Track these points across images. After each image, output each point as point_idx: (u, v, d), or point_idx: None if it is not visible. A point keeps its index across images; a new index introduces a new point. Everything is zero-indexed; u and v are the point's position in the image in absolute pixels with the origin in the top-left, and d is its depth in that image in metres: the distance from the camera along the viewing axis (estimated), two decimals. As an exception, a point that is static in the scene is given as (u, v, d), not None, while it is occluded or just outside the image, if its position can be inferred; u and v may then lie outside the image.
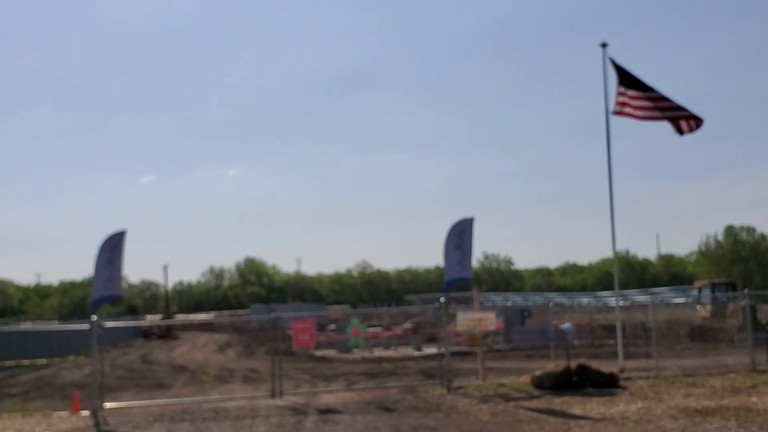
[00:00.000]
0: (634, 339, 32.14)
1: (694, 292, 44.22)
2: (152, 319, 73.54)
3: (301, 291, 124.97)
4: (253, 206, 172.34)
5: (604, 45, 20.49)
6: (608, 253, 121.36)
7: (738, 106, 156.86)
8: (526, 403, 14.91)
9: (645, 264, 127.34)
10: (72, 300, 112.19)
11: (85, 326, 16.88)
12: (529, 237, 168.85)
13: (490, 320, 19.51)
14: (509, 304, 55.93)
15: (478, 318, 19.13)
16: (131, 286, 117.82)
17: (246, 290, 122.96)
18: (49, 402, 19.02)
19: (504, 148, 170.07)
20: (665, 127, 20.19)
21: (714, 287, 41.77)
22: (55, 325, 52.82)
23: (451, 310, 30.09)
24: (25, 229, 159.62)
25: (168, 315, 73.92)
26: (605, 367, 17.75)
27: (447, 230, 19.99)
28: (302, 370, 25.24)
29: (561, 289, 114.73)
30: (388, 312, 59.21)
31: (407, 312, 53.36)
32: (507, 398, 15.72)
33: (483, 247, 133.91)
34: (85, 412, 15.66)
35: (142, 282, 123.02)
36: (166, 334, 59.92)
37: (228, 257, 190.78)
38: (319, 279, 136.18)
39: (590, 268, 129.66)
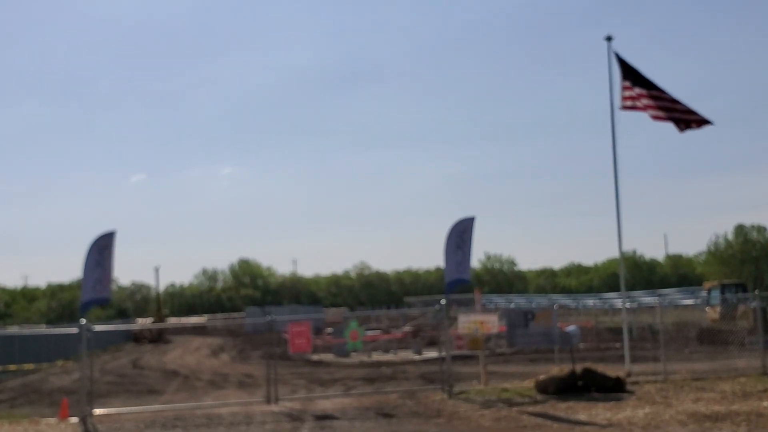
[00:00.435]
0: (641, 342, 32.19)
1: (704, 294, 44.25)
2: (143, 322, 73.61)
3: (297, 293, 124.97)
4: (248, 205, 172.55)
5: (609, 38, 20.53)
6: (614, 254, 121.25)
7: (749, 102, 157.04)
8: (530, 409, 14.92)
9: (652, 264, 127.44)
10: (60, 303, 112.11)
11: (74, 330, 16.87)
12: (533, 237, 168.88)
13: (492, 323, 19.53)
14: (512, 306, 55.95)
15: (480, 320, 19.15)
16: (121, 289, 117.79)
17: (240, 292, 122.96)
18: (37, 408, 19.01)
19: (506, 146, 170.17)
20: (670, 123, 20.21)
21: (724, 288, 41.79)
22: (42, 329, 52.79)
23: (452, 312, 30.13)
24: (12, 230, 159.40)
25: (160, 318, 73.90)
26: (611, 371, 17.78)
27: (447, 230, 20.02)
28: (298, 375, 25.24)
29: (565, 290, 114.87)
30: (387, 315, 59.19)
31: (407, 315, 53.34)
32: (510, 403, 15.73)
33: (485, 248, 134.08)
34: (74, 419, 15.66)
35: (133, 284, 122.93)
36: (158, 338, 59.95)
37: (221, 258, 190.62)
38: (316, 281, 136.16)
39: (596, 268, 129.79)
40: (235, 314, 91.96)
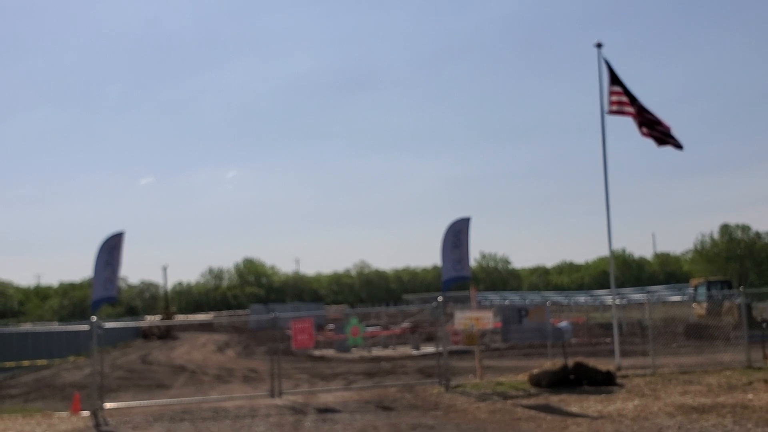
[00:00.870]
0: (630, 337, 32.20)
1: (690, 290, 44.27)
2: (152, 319, 73.53)
3: (300, 291, 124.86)
4: (252, 207, 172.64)
5: (599, 45, 20.55)
6: (604, 252, 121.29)
7: (733, 106, 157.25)
8: (524, 401, 14.93)
9: (641, 262, 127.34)
10: (72, 301, 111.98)
11: (85, 327, 16.89)
12: (526, 236, 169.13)
13: (487, 319, 19.51)
14: (506, 302, 55.89)
15: (475, 317, 19.13)
16: (131, 287, 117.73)
17: (245, 290, 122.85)
18: (50, 402, 19.01)
19: (500, 149, 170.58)
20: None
21: (710, 285, 41.82)
22: (55, 326, 52.74)
23: (449, 309, 30.14)
24: (25, 231, 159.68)
25: (167, 315, 73.94)
26: (602, 365, 17.78)
27: (444, 230, 20.02)
28: (301, 370, 25.25)
29: (558, 287, 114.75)
30: (386, 311, 59.18)
31: (405, 311, 53.39)
32: (505, 396, 15.73)
33: (480, 247, 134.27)
34: (86, 413, 15.66)
35: (142, 283, 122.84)
36: (166, 334, 59.87)
37: (227, 258, 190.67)
38: (318, 279, 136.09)
39: (587, 266, 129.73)
40: (240, 311, 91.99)
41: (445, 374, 17.65)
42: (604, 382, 16.82)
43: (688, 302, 42.99)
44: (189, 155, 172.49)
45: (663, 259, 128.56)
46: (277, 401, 16.44)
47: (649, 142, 20.09)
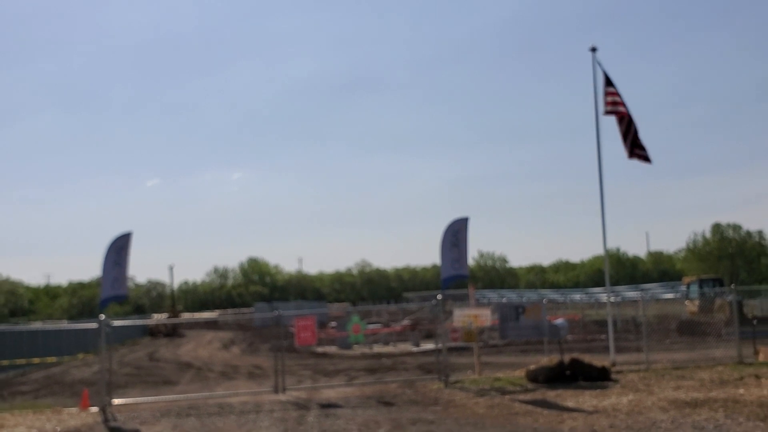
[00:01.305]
0: (625, 334, 32.16)
1: (683, 288, 44.26)
2: (159, 317, 73.56)
3: (303, 290, 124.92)
4: (256, 208, 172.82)
5: (593, 49, 20.57)
6: (599, 251, 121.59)
7: (725, 109, 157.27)
8: (521, 397, 14.93)
9: (635, 261, 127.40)
10: (81, 300, 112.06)
11: (94, 325, 16.88)
12: (523, 236, 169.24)
13: (485, 316, 19.52)
14: (504, 300, 55.89)
15: (474, 314, 19.14)
16: (138, 286, 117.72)
17: (249, 289, 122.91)
18: (59, 399, 19.00)
19: (498, 150, 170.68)
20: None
21: (702, 283, 41.80)
22: (64, 325, 52.76)
23: (448, 307, 30.08)
24: (35, 231, 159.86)
25: (174, 314, 73.94)
26: (597, 361, 17.79)
27: (443, 230, 20.03)
28: (304, 366, 25.25)
29: (554, 285, 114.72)
30: (387, 309, 59.15)
31: (405, 309, 53.32)
32: (502, 392, 15.73)
33: (478, 246, 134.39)
34: (94, 409, 15.66)
35: (149, 282, 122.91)
36: (172, 332, 59.92)
37: (232, 257, 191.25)
38: (320, 278, 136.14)
39: (582, 265, 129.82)
40: (244, 310, 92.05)
41: (444, 370, 17.65)
42: (599, 377, 16.83)
43: (680, 300, 42.98)
44: (194, 157, 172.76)
45: (656, 257, 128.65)
46: (281, 397, 16.44)
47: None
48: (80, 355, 37.43)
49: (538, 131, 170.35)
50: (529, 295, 73.00)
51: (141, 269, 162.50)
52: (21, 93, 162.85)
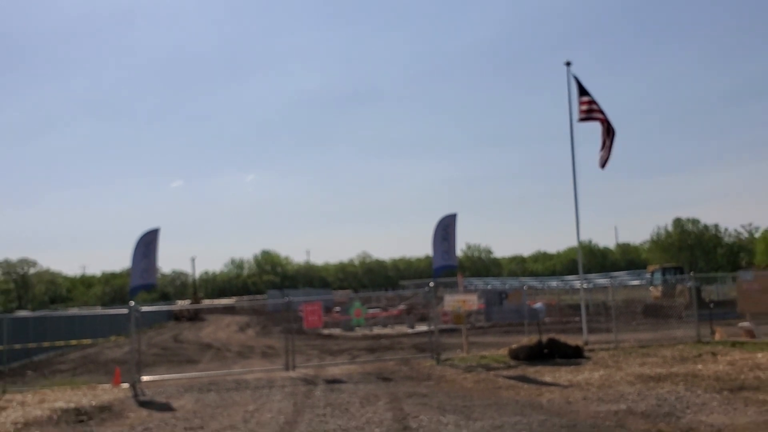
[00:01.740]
0: (596, 316, 32.17)
1: (648, 276, 44.35)
2: (182, 304, 73.51)
3: (310, 278, 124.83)
4: (268, 205, 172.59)
5: (568, 63, 20.60)
6: (573, 243, 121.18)
7: (686, 114, 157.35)
8: (504, 373, 14.95)
9: (605, 252, 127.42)
10: (113, 288, 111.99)
11: (125, 311, 16.88)
12: (506, 229, 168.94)
13: (472, 301, 19.56)
14: (489, 287, 55.89)
15: (462, 300, 19.18)
16: (164, 276, 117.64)
17: (263, 278, 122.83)
18: (94, 376, 19.01)
19: (485, 154, 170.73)
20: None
21: (664, 271, 41.90)
22: (98, 310, 52.74)
23: (439, 293, 30.09)
24: (73, 228, 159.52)
25: (196, 300, 73.91)
26: (572, 340, 17.82)
27: (435, 225, 20.03)
28: (312, 347, 25.25)
29: (533, 273, 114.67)
30: (385, 296, 59.18)
31: (402, 295, 53.33)
32: (488, 368, 15.76)
33: (466, 239, 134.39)
34: (125, 385, 15.68)
35: (173, 272, 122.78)
36: (195, 316, 59.89)
37: (247, 250, 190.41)
38: (326, 268, 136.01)
39: (558, 255, 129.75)
40: (258, 296, 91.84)
41: (436, 349, 17.68)
42: (573, 355, 16.87)
43: (645, 286, 43.07)
44: (214, 161, 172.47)
45: (624, 248, 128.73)
46: (291, 374, 16.46)
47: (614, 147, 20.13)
48: (113, 338, 37.39)
49: (520, 137, 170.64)
50: (511, 283, 73.04)
51: (166, 261, 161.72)
52: (59, 106, 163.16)
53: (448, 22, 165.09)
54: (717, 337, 19.97)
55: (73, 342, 30.28)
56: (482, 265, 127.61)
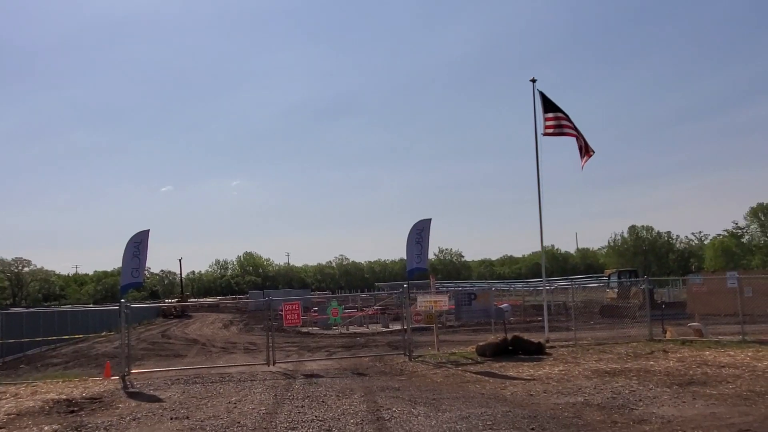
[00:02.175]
0: (557, 316, 32.46)
1: (605, 279, 44.73)
2: (170, 301, 72.86)
3: (290, 279, 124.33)
4: (251, 210, 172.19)
5: (533, 80, 20.75)
6: (538, 248, 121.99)
7: (641, 129, 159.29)
8: (472, 368, 15.00)
9: (566, 256, 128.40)
10: (104, 286, 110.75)
11: (115, 308, 16.72)
12: (476, 235, 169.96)
13: (443, 302, 19.62)
14: (459, 289, 56.07)
15: (434, 300, 19.21)
16: (153, 275, 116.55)
17: (245, 278, 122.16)
18: (86, 369, 18.80)
19: (455, 164, 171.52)
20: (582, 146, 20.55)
21: (620, 274, 42.25)
22: (90, 307, 52.11)
23: (412, 294, 30.15)
24: (66, 229, 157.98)
25: (183, 299, 73.23)
26: (535, 338, 17.92)
27: (409, 229, 20.05)
28: (291, 343, 25.16)
29: (501, 276, 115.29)
30: (361, 296, 59.09)
31: (377, 296, 53.29)
32: (456, 364, 15.80)
33: (438, 243, 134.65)
34: (116, 377, 15.51)
35: (162, 272, 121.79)
36: (181, 314, 59.44)
37: (231, 251, 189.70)
38: (305, 269, 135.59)
39: (523, 259, 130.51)
40: (241, 296, 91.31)
41: (408, 347, 17.68)
42: (536, 351, 16.96)
43: (603, 288, 43.44)
44: (201, 168, 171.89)
45: (584, 253, 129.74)
46: (272, 368, 16.38)
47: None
48: (104, 333, 37.02)
49: (489, 148, 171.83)
50: (480, 285, 73.30)
51: (155, 261, 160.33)
52: (56, 113, 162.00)
53: (421, 41, 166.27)
54: (668, 335, 20.20)
55: (66, 337, 29.93)
56: (453, 268, 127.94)
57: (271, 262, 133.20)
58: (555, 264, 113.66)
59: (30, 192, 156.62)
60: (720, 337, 19.46)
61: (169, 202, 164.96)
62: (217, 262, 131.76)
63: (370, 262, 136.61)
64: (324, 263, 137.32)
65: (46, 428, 9.92)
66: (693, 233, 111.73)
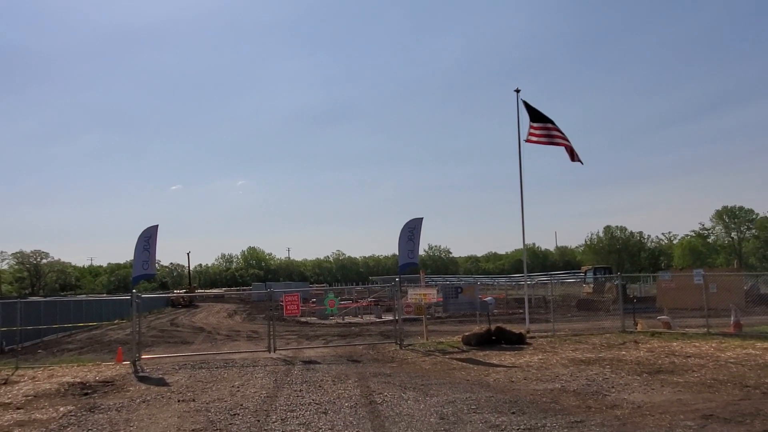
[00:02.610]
0: (537, 309, 32.51)
1: (582, 275, 44.87)
2: (178, 292, 72.66)
3: (291, 272, 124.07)
4: (255, 208, 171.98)
5: (517, 90, 20.82)
6: (520, 245, 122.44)
7: (617, 135, 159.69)
8: (458, 356, 15.02)
9: (546, 253, 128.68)
10: (117, 277, 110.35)
11: (127, 297, 16.67)
12: (463, 232, 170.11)
13: (432, 295, 19.60)
14: (447, 283, 56.08)
15: (423, 293, 19.21)
16: (163, 268, 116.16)
17: (249, 271, 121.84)
18: (99, 355, 18.74)
19: (445, 166, 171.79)
20: (561, 152, 20.63)
21: (596, 271, 42.45)
22: (103, 297, 51.92)
23: (404, 287, 30.16)
24: (83, 223, 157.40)
25: (190, 289, 73.00)
26: (516, 329, 17.95)
27: (402, 227, 20.05)
28: (291, 332, 25.12)
29: (485, 272, 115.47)
30: (356, 289, 59.04)
31: (371, 289, 53.27)
32: (444, 352, 15.81)
33: (428, 240, 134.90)
34: (127, 362, 15.48)
35: (171, 264, 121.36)
36: (189, 303, 59.22)
37: (235, 246, 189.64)
38: (304, 263, 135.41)
39: (507, 256, 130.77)
40: (245, 287, 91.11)
41: (399, 336, 17.69)
42: (517, 341, 16.99)
43: (579, 283, 43.58)
44: (208, 168, 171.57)
45: (562, 250, 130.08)
46: (273, 355, 16.37)
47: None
48: (116, 321, 36.88)
49: (476, 152, 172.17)
50: (466, 279, 73.34)
51: (165, 254, 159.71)
52: (73, 116, 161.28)
53: (414, 52, 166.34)
54: (639, 327, 20.27)
55: (81, 324, 29.80)
56: (442, 264, 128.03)
57: (273, 256, 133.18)
58: (536, 260, 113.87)
59: (49, 189, 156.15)
60: (686, 330, 19.53)
61: (178, 200, 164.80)
62: (223, 255, 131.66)
63: (365, 257, 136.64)
64: (322, 258, 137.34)
65: (61, 409, 9.89)
66: (663, 233, 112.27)
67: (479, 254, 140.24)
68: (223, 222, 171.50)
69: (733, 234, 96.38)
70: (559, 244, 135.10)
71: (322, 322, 30.85)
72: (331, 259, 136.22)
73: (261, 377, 12.53)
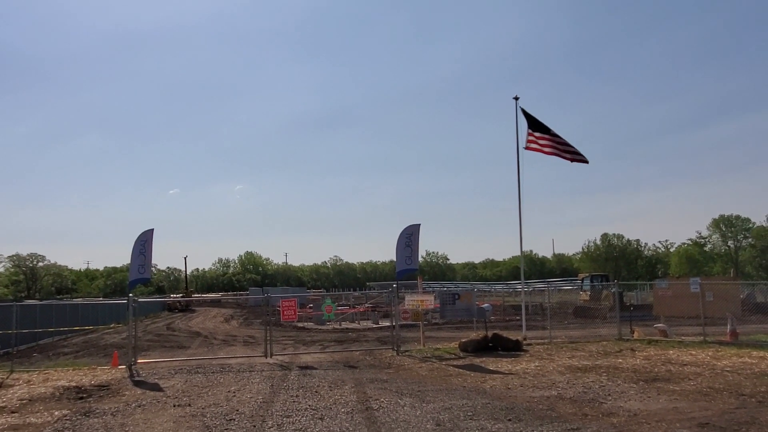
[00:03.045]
0: (534, 315, 32.48)
1: (579, 282, 44.86)
2: (175, 296, 72.50)
3: (288, 277, 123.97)
4: (253, 212, 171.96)
5: (516, 98, 20.84)
6: (517, 252, 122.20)
7: (615, 143, 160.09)
8: (454, 362, 15.00)
9: (543, 260, 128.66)
10: (114, 281, 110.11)
11: (123, 301, 16.65)
12: (461, 239, 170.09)
13: (429, 301, 19.59)
14: (444, 289, 56.05)
15: (420, 299, 19.21)
16: (159, 272, 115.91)
17: (246, 276, 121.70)
18: (94, 359, 18.69)
19: (442, 173, 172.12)
20: (561, 160, 20.63)
21: (593, 278, 42.42)
22: (100, 300, 51.79)
23: (401, 293, 30.16)
24: (79, 227, 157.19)
25: (187, 294, 72.86)
26: (513, 335, 17.96)
27: (399, 233, 20.04)
28: (287, 337, 25.08)
29: (483, 278, 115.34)
30: (353, 294, 58.97)
31: (368, 294, 53.24)
32: (440, 359, 15.80)
33: (426, 246, 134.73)
34: (122, 367, 15.44)
35: (168, 268, 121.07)
36: (186, 308, 59.15)
37: (233, 251, 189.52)
38: (302, 269, 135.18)
39: (504, 263, 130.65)
40: (242, 292, 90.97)
41: (396, 342, 17.68)
42: (514, 348, 16.99)
43: (576, 290, 43.55)
44: (207, 172, 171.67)
45: (559, 258, 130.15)
46: (269, 360, 16.34)
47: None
48: (112, 325, 36.79)
49: (474, 159, 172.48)
50: (463, 286, 73.33)
51: (162, 258, 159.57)
52: (72, 119, 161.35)
53: (413, 59, 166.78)
54: (635, 335, 20.27)
55: (77, 328, 29.72)
56: (439, 270, 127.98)
57: (271, 261, 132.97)
58: (533, 267, 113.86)
59: (46, 191, 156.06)
60: (683, 338, 19.55)
61: (176, 204, 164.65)
62: (220, 260, 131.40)
63: (362, 263, 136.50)
64: (319, 263, 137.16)
65: (56, 413, 9.85)
66: (660, 241, 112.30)
67: (477, 261, 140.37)
68: (221, 226, 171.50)
69: (730, 242, 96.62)
70: (556, 252, 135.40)
71: (319, 327, 30.80)
72: (328, 264, 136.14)
73: (257, 382, 12.50)
